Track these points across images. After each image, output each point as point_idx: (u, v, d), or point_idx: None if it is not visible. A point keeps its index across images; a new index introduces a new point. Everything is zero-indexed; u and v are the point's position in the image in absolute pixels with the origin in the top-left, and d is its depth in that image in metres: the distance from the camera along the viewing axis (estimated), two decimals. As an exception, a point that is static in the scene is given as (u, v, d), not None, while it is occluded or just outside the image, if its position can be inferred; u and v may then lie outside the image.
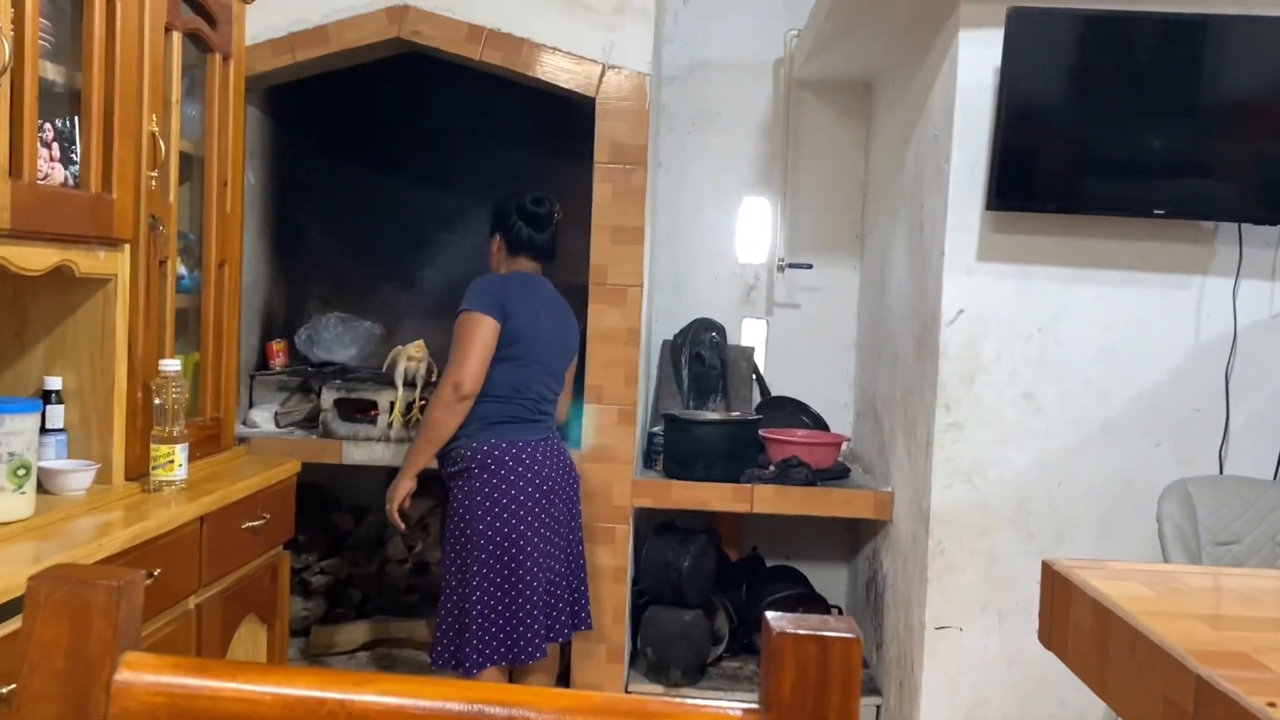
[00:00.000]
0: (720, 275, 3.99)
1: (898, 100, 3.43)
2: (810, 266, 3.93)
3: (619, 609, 3.16)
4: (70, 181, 2.00)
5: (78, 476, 2.07)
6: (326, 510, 3.82)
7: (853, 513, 3.27)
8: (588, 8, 3.11)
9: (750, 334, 3.99)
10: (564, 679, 3.23)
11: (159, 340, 2.31)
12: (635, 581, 3.37)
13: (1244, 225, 2.65)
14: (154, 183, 2.23)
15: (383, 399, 3.24)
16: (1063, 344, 2.73)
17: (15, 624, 1.54)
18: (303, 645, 3.49)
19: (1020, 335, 2.73)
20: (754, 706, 0.62)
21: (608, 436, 3.12)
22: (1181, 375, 2.71)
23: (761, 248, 3.98)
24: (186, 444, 2.26)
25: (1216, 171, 2.62)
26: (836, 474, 3.37)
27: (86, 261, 2.03)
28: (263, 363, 3.63)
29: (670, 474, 3.29)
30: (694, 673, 3.29)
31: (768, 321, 4.00)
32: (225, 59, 2.56)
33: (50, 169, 1.94)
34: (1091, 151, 2.62)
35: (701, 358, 3.74)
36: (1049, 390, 2.73)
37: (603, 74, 3.11)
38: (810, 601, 3.57)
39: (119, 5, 2.08)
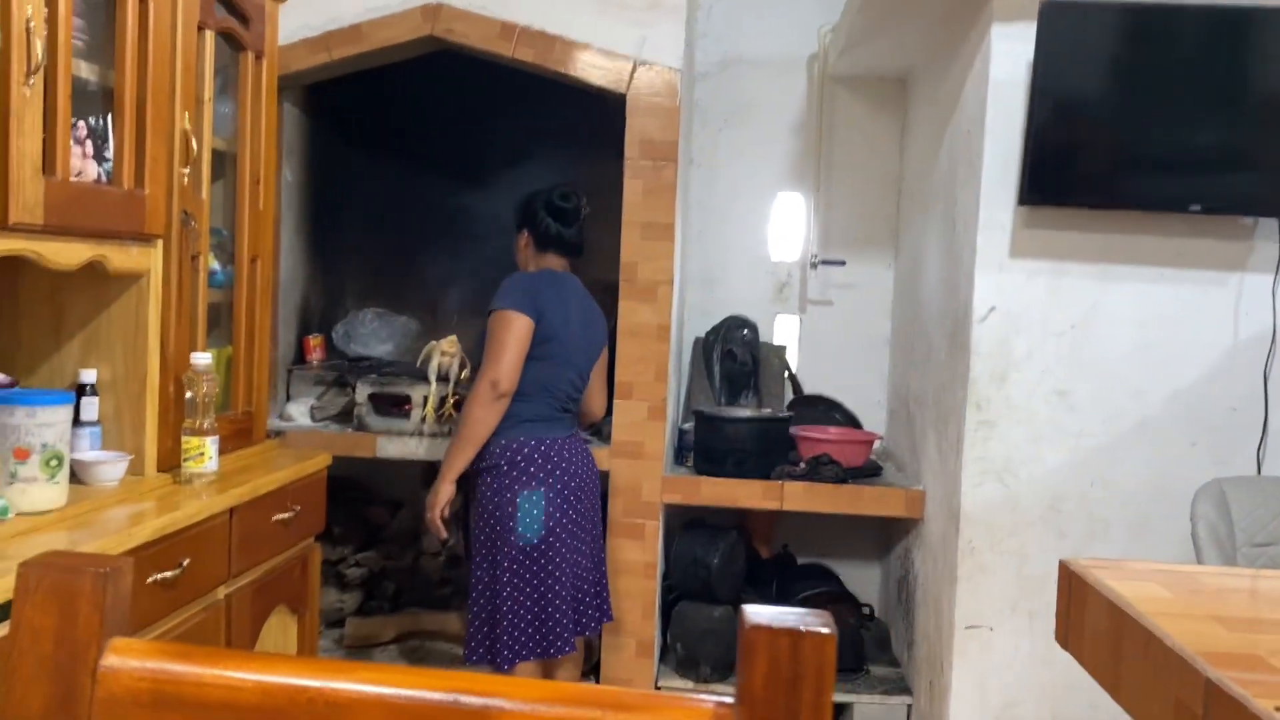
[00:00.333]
0: (753, 272, 3.97)
1: (931, 95, 3.39)
2: (844, 263, 3.91)
3: (648, 604, 3.17)
4: (103, 178, 2.04)
5: (110, 468, 2.11)
6: (362, 504, 3.86)
7: (884, 511, 3.25)
8: (620, 4, 3.11)
9: (783, 331, 3.97)
10: (594, 673, 3.25)
11: (191, 334, 2.35)
12: (665, 577, 3.38)
13: (1284, 221, 2.60)
14: (186, 179, 2.27)
15: (417, 394, 3.26)
16: (1097, 341, 2.69)
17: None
18: (338, 636, 3.53)
19: (1053, 332, 2.69)
20: (728, 700, 0.62)
21: (637, 432, 3.12)
22: (1218, 373, 2.66)
23: (795, 244, 3.96)
24: (217, 437, 2.29)
25: (1255, 166, 2.56)
26: (868, 472, 3.35)
27: (119, 257, 2.07)
28: (300, 357, 3.68)
29: (700, 470, 3.28)
30: (723, 669, 3.28)
31: (801, 318, 3.98)
32: (258, 57, 2.59)
33: (84, 166, 1.98)
34: (1126, 146, 2.58)
35: (733, 354, 3.73)
36: (1082, 388, 2.70)
37: (634, 70, 3.11)
38: (840, 600, 3.55)
39: (152, 4, 2.11)
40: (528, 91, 3.45)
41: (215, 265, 2.50)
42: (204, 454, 2.25)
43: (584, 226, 2.86)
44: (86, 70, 2.01)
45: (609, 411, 3.12)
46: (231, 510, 2.25)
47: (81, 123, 1.97)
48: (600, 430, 3.28)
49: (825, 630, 0.60)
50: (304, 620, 2.67)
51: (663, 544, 3.28)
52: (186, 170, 2.25)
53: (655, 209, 3.12)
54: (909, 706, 3.21)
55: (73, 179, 1.93)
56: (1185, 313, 2.67)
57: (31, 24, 1.75)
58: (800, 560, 3.81)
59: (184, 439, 2.24)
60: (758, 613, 0.61)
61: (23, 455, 1.87)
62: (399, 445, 3.25)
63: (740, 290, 3.95)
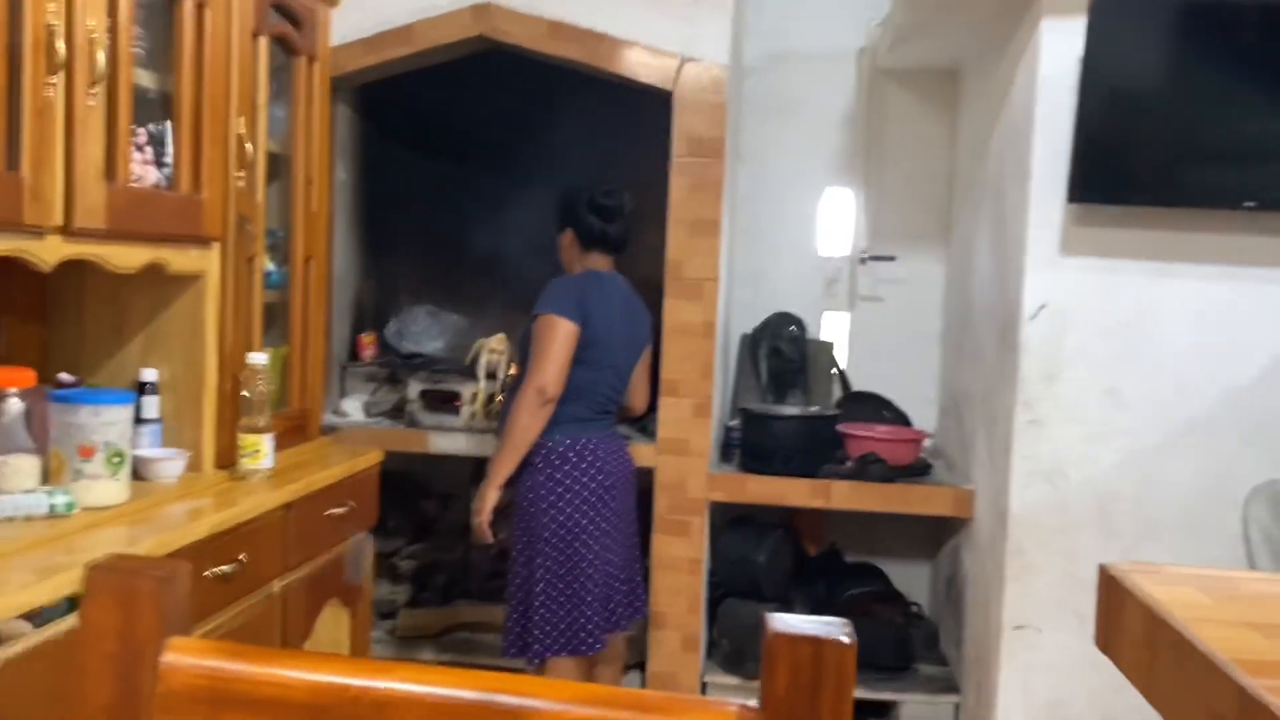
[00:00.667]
0: (801, 268, 3.97)
1: (982, 90, 3.37)
2: (894, 259, 3.89)
3: (694, 600, 3.19)
4: (162, 183, 2.10)
5: (170, 464, 2.18)
6: (414, 498, 3.93)
7: (931, 510, 3.24)
8: (667, 1, 3.13)
9: (831, 327, 3.97)
10: (639, 668, 3.28)
11: (247, 334, 2.41)
12: (711, 574, 3.40)
13: (1343, 217, 2.55)
14: (242, 183, 2.33)
15: (466, 390, 3.32)
16: (1148, 340, 2.66)
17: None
18: (390, 627, 3.60)
19: (1104, 331, 2.67)
20: (752, 704, 0.64)
21: (683, 430, 3.15)
22: (1273, 372, 2.62)
23: (844, 240, 3.95)
24: (273, 434, 2.36)
25: (1312, 162, 2.51)
26: (917, 470, 3.34)
27: (178, 259, 2.13)
28: (354, 354, 3.75)
29: (747, 468, 3.29)
30: (769, 665, 3.29)
31: (850, 314, 3.97)
32: (310, 61, 2.65)
33: (143, 172, 2.04)
34: (1177, 143, 2.55)
35: (780, 351, 3.73)
36: (1134, 387, 2.67)
37: (681, 67, 3.12)
38: (888, 599, 3.55)
39: (208, 13, 2.17)
40: (575, 88, 3.47)
41: (270, 266, 2.56)
42: (260, 451, 2.32)
43: (628, 223, 2.83)
44: (146, 78, 2.08)
45: (653, 407, 3.15)
46: (287, 506, 2.31)
47: (141, 129, 2.04)
48: (645, 427, 3.31)
49: (845, 639, 0.62)
50: (356, 613, 2.73)
51: (709, 541, 3.31)
52: (242, 174, 2.32)
53: (701, 206, 3.14)
54: (956, 706, 3.20)
55: (133, 184, 2.00)
56: (1239, 310, 2.63)
57: (94, 35, 1.82)
58: (848, 558, 3.80)
59: (240, 436, 2.31)
60: (780, 620, 0.63)
61: (87, 453, 1.94)
62: (449, 440, 3.31)
63: (788, 287, 3.95)
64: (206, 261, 2.23)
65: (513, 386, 2.88)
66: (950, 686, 3.26)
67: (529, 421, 2.61)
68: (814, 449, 3.27)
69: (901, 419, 3.73)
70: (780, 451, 3.24)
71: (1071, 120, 2.59)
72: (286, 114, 2.62)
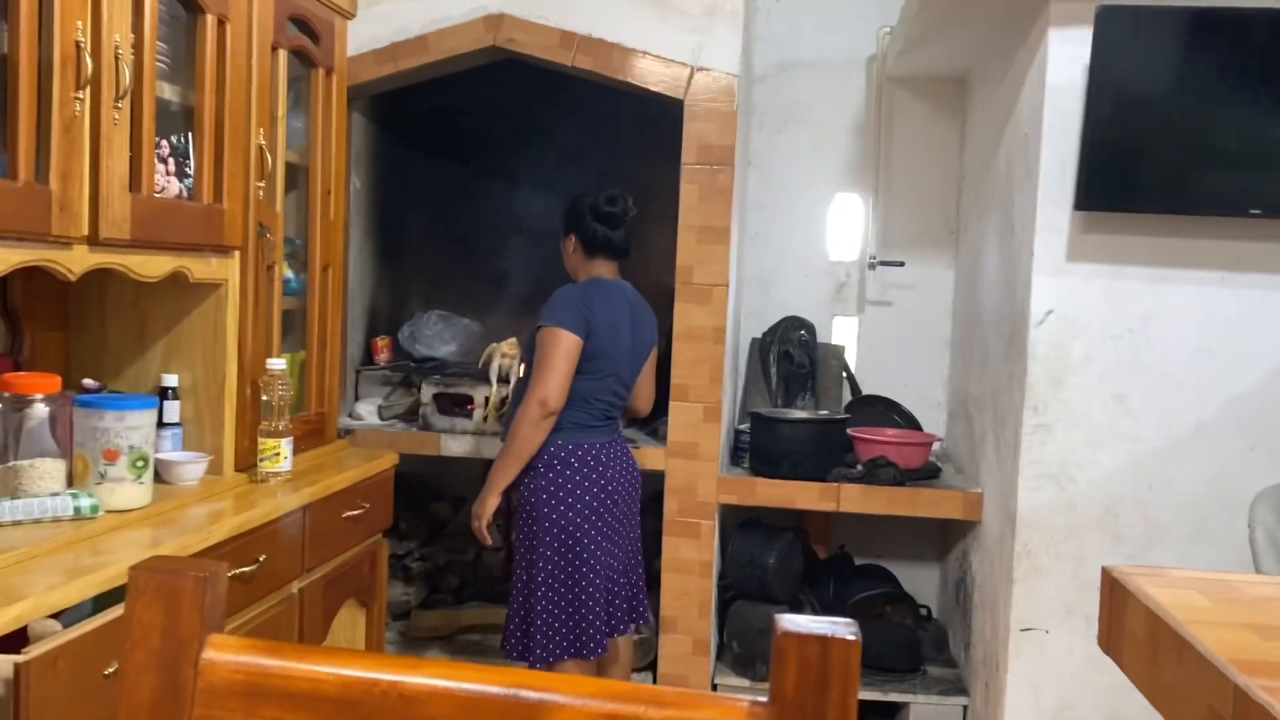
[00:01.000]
0: (810, 273, 4.00)
1: (990, 98, 3.40)
2: (903, 264, 3.92)
3: (704, 603, 3.22)
4: (184, 194, 2.15)
5: (191, 468, 2.22)
6: (427, 500, 3.98)
7: (941, 513, 3.27)
8: (677, 11, 3.17)
9: (841, 332, 4.00)
10: (651, 670, 3.32)
11: (267, 340, 2.46)
12: (721, 577, 3.43)
13: (1348, 224, 2.57)
14: (261, 193, 2.38)
15: (479, 394, 3.36)
16: (1154, 345, 2.68)
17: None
18: (403, 628, 3.64)
19: (1110, 336, 2.70)
20: (762, 700, 0.68)
21: (693, 434, 3.18)
22: (1278, 378, 2.64)
23: (853, 245, 3.98)
24: (291, 438, 2.40)
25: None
26: (926, 474, 3.37)
27: (199, 268, 2.18)
28: (368, 358, 3.79)
29: (756, 471, 3.33)
30: (779, 667, 3.32)
31: (859, 319, 4.00)
32: (328, 73, 2.70)
33: (166, 183, 2.09)
34: (1183, 151, 2.58)
35: (790, 356, 3.77)
36: (1140, 392, 2.69)
37: (691, 76, 3.16)
38: (897, 601, 3.57)
39: (229, 27, 2.22)
40: (587, 96, 3.52)
41: (289, 274, 2.61)
42: (279, 454, 2.36)
43: (631, 229, 2.85)
44: (169, 91, 2.12)
45: (663, 410, 3.18)
46: (305, 508, 2.35)
47: (164, 141, 2.09)
48: (656, 431, 3.35)
49: (851, 637, 0.66)
50: (372, 614, 2.77)
51: (719, 543, 3.34)
52: (262, 184, 2.36)
53: (711, 213, 3.17)
54: (965, 707, 3.23)
55: (156, 195, 2.04)
56: (1244, 316, 2.65)
57: (120, 51, 1.86)
58: (858, 561, 3.83)
59: (260, 440, 2.35)
60: (789, 620, 0.67)
61: (112, 456, 1.99)
62: (462, 443, 3.35)
63: (797, 291, 3.98)
64: (227, 269, 2.28)
65: (518, 391, 2.91)
66: (959, 688, 3.28)
67: (530, 433, 2.62)
68: (824, 452, 3.30)
69: (911, 423, 3.76)
70: (790, 455, 3.27)
71: (1078, 128, 2.62)
72: (305, 125, 2.67)
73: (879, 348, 3.98)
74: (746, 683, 3.31)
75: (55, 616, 1.61)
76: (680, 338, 3.18)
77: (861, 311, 4.00)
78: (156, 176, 2.04)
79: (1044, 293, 2.72)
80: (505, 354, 3.35)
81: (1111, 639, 1.33)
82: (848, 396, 3.89)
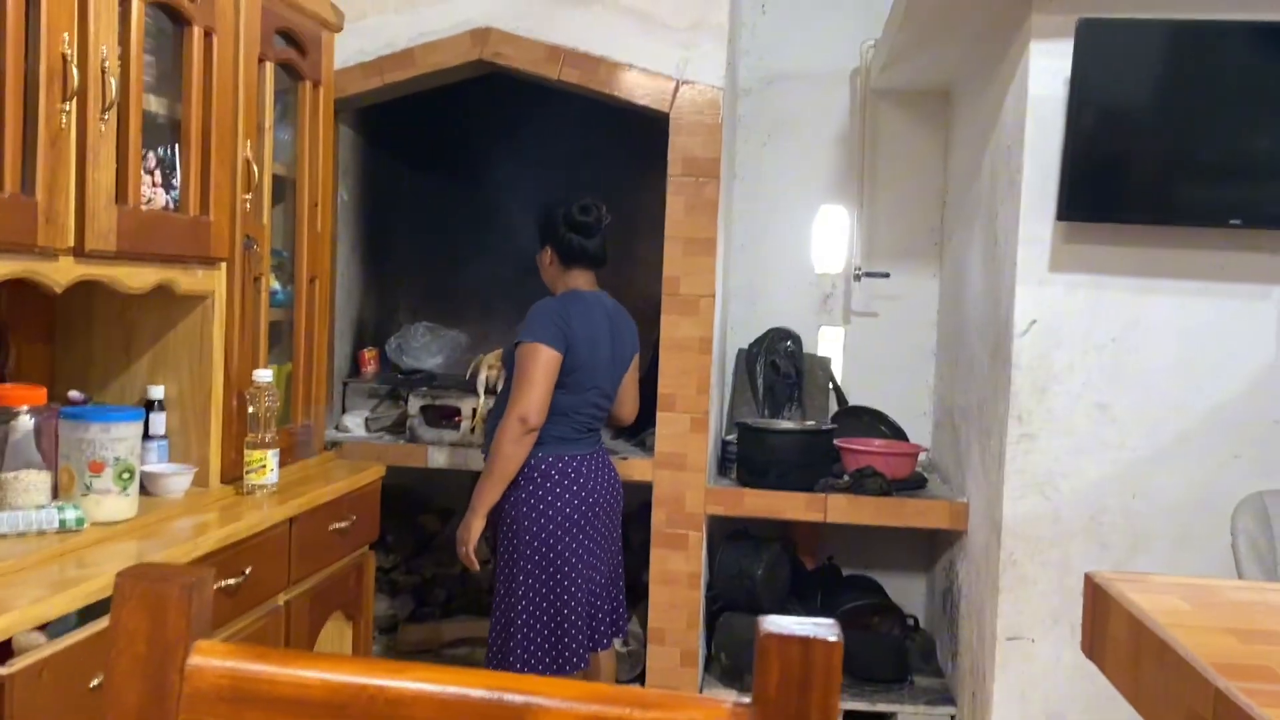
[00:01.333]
0: (796, 284, 4.02)
1: (973, 110, 3.43)
2: (888, 275, 3.94)
3: (693, 614, 3.22)
4: (171, 206, 2.15)
5: (177, 480, 2.22)
6: (414, 512, 3.97)
7: (927, 523, 3.28)
8: (663, 25, 3.19)
9: (827, 343, 4.02)
10: (639, 682, 3.31)
11: (253, 352, 2.46)
12: (709, 588, 3.43)
13: (1327, 234, 2.60)
14: (248, 205, 2.38)
15: (466, 405, 3.36)
16: (1137, 354, 2.70)
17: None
18: (389, 642, 3.63)
19: (1093, 346, 2.72)
20: (745, 701, 0.68)
21: (680, 444, 3.19)
22: (1260, 386, 2.67)
23: (838, 256, 4.00)
24: (278, 449, 2.40)
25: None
26: (913, 484, 3.38)
27: (186, 280, 2.18)
28: (355, 370, 3.79)
29: (744, 482, 3.33)
30: (767, 678, 3.32)
31: (845, 330, 4.02)
32: (315, 86, 2.71)
33: (153, 194, 2.09)
34: (1164, 162, 2.60)
35: (776, 366, 3.78)
36: (1123, 401, 2.71)
37: (677, 90, 3.18)
38: (885, 611, 3.58)
39: (216, 39, 2.22)
40: (574, 109, 3.53)
41: (276, 285, 2.61)
42: (265, 466, 2.36)
43: (607, 236, 2.82)
44: (155, 103, 2.13)
45: (650, 420, 3.19)
46: (291, 520, 2.35)
47: (151, 153, 2.09)
48: (644, 442, 3.35)
49: (832, 638, 0.66)
50: (358, 626, 2.77)
51: (706, 555, 3.34)
52: (249, 196, 2.37)
53: (697, 225, 3.19)
54: (952, 717, 3.23)
55: (143, 207, 2.04)
56: (1226, 326, 2.68)
57: (107, 63, 1.87)
58: (845, 571, 3.84)
59: (246, 452, 2.35)
60: (772, 622, 0.67)
61: (97, 468, 1.98)
62: (449, 455, 3.35)
63: (783, 302, 4.00)
64: (214, 281, 2.28)
65: (494, 406, 2.89)
66: (946, 698, 3.29)
67: (512, 451, 2.60)
68: (811, 463, 3.31)
69: (897, 433, 3.77)
70: (777, 465, 3.28)
71: (1061, 140, 2.64)
72: (292, 137, 2.67)
73: (865, 358, 3.99)
74: (735, 694, 3.31)
75: (41, 629, 1.61)
76: (667, 348, 3.19)
77: (847, 322, 4.02)
78: (143, 188, 2.04)
79: (1027, 303, 2.74)
80: (492, 365, 3.35)
81: (1094, 644, 1.34)
82: (834, 407, 3.91)
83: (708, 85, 3.17)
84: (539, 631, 2.65)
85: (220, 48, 2.24)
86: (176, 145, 2.17)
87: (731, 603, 3.40)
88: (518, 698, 0.70)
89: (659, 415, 3.19)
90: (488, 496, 2.64)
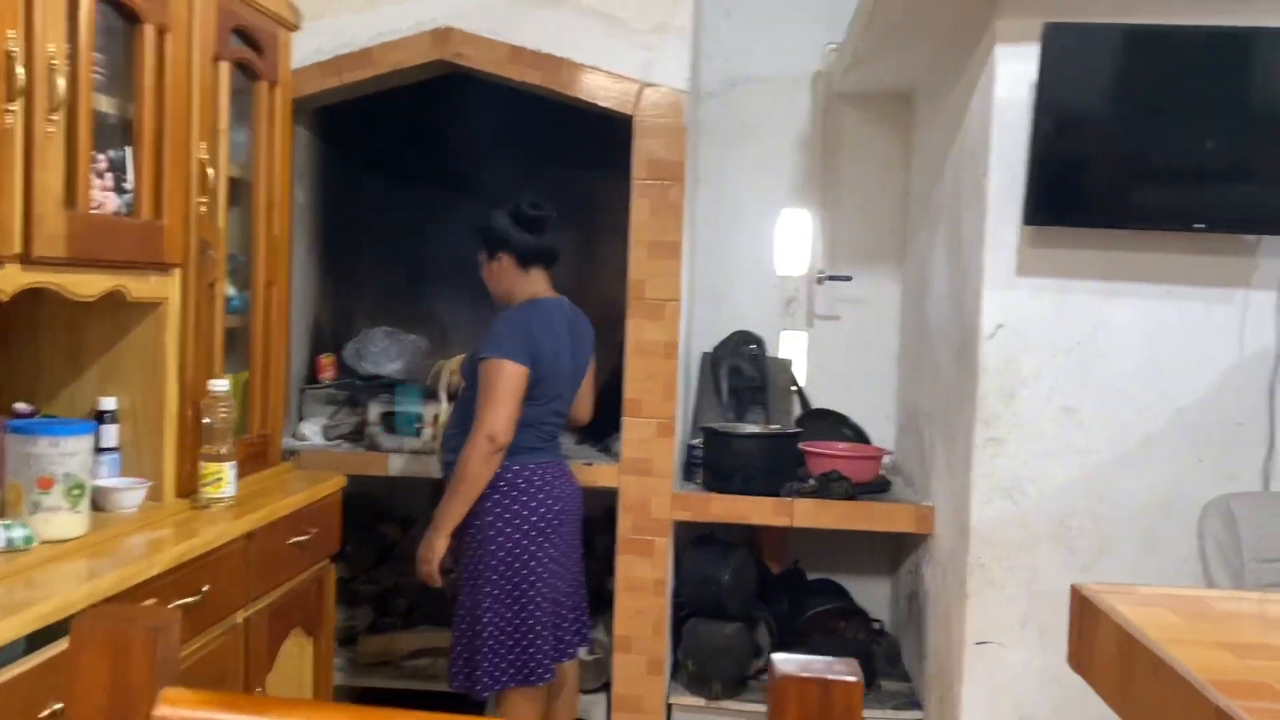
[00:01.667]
0: (760, 287, 4.00)
1: (937, 113, 3.42)
2: (850, 279, 3.94)
3: (659, 621, 3.19)
4: (123, 209, 2.07)
5: (130, 494, 2.14)
6: (374, 521, 3.90)
7: (893, 527, 3.27)
8: (627, 27, 3.15)
9: (790, 346, 4.00)
10: (605, 690, 3.27)
11: (208, 360, 2.38)
12: (675, 594, 3.40)
13: (1288, 238, 2.63)
14: (203, 208, 2.30)
15: (428, 412, 3.30)
16: (1103, 358, 2.71)
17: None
18: (351, 654, 3.56)
19: (1060, 350, 2.72)
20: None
21: (646, 449, 3.15)
22: (1224, 389, 2.69)
23: (801, 260, 3.98)
24: (235, 462, 2.33)
25: (1257, 184, 2.58)
26: (877, 487, 3.37)
27: (138, 286, 2.10)
28: (312, 376, 3.71)
29: (710, 487, 3.30)
30: (735, 685, 3.30)
31: (808, 333, 4.01)
32: (272, 86, 2.63)
33: (104, 198, 2.01)
34: (1129, 166, 2.61)
35: (741, 370, 3.76)
36: (1089, 405, 2.72)
37: (640, 92, 3.14)
38: (850, 615, 3.57)
39: (169, 38, 2.15)
40: (537, 112, 3.48)
41: (231, 291, 2.53)
42: (222, 479, 2.28)
43: (555, 231, 2.76)
44: (106, 104, 2.05)
45: (616, 427, 3.15)
46: (249, 535, 2.28)
47: (102, 155, 2.01)
48: (608, 447, 3.31)
49: (852, 679, 0.63)
50: (319, 643, 2.70)
51: (672, 561, 3.31)
52: (204, 200, 2.29)
53: (662, 228, 3.15)
54: (920, 721, 3.23)
55: (93, 211, 1.97)
56: (1190, 329, 2.69)
57: (54, 61, 1.79)
58: (811, 576, 3.83)
59: (202, 465, 2.28)
60: (787, 661, 0.64)
61: (46, 485, 1.90)
62: (409, 463, 3.28)
63: (747, 306, 3.98)
64: (167, 288, 2.20)
65: (453, 415, 2.82)
66: (913, 702, 3.28)
67: (480, 470, 2.53)
68: (776, 467, 3.29)
69: (860, 436, 3.77)
70: (743, 470, 3.25)
71: (1026, 144, 2.64)
72: (248, 138, 2.60)
73: (828, 362, 3.98)
74: (702, 701, 3.28)
75: (-14, 656, 1.53)
76: (633, 353, 3.15)
77: (810, 326, 4.01)
78: (93, 192, 1.97)
79: (994, 306, 2.73)
80: (454, 371, 3.28)
81: (1081, 657, 1.32)
82: (798, 410, 3.89)
83: (671, 88, 3.14)
84: (504, 644, 2.59)
85: (174, 46, 2.16)
86: (128, 147, 2.10)
87: (698, 609, 3.37)
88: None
89: (625, 420, 3.15)
90: (452, 515, 2.57)
